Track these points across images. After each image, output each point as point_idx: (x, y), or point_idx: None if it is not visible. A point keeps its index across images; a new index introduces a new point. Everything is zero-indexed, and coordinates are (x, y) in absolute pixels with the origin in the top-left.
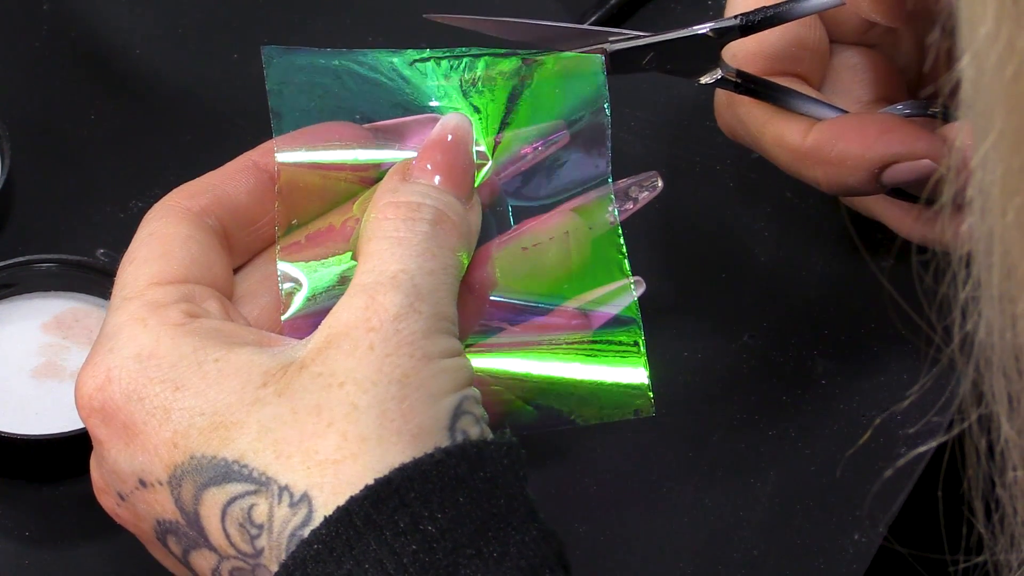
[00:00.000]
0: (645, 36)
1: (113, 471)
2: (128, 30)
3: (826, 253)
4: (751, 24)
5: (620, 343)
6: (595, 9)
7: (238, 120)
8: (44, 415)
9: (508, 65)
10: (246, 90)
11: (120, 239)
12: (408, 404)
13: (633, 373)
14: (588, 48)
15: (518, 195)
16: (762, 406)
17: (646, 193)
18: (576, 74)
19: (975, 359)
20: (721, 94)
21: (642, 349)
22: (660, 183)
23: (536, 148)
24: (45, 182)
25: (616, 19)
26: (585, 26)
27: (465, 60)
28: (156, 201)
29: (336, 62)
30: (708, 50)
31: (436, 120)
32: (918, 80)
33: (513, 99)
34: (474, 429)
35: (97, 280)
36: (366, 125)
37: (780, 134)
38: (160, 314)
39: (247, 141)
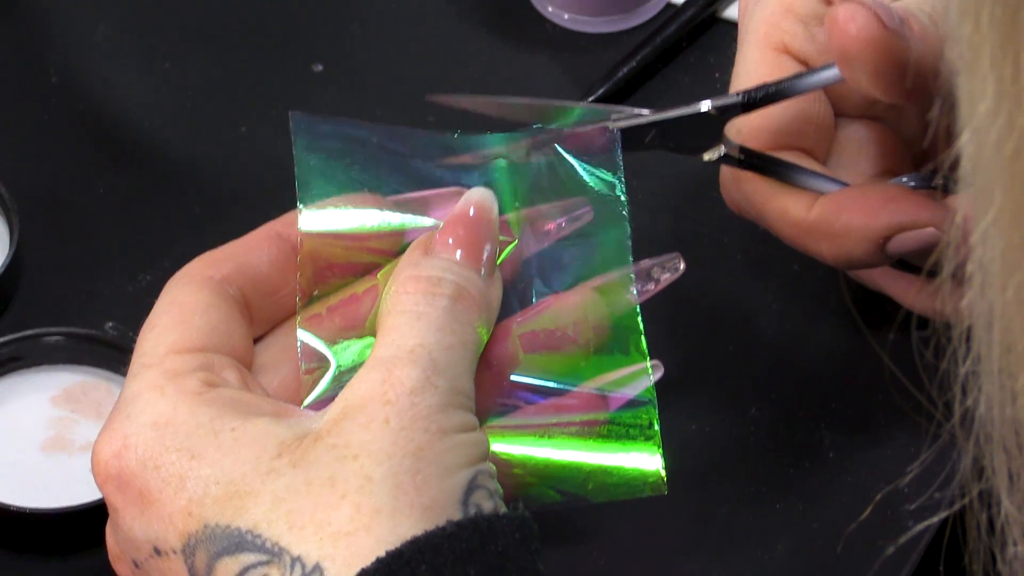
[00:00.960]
0: (647, 114)
1: (128, 538)
2: (136, 103)
3: (833, 326)
4: (753, 101)
5: (635, 425)
6: (602, 82)
7: (246, 192)
8: (53, 488)
9: (529, 141)
10: (254, 162)
11: (129, 312)
12: (422, 477)
13: (647, 455)
14: (596, 125)
15: (540, 272)
16: (770, 479)
17: (668, 274)
18: (592, 149)
19: (975, 434)
20: (726, 170)
21: (656, 429)
22: (682, 265)
23: (560, 224)
24: (54, 255)
25: (623, 92)
26: (586, 104)
27: (488, 138)
28: (165, 274)
29: (362, 133)
30: (711, 127)
31: (460, 194)
32: (923, 153)
33: (535, 176)
34: (487, 503)
35: (106, 353)
36: (391, 197)
37: (784, 209)
38: (178, 382)
39: (256, 213)
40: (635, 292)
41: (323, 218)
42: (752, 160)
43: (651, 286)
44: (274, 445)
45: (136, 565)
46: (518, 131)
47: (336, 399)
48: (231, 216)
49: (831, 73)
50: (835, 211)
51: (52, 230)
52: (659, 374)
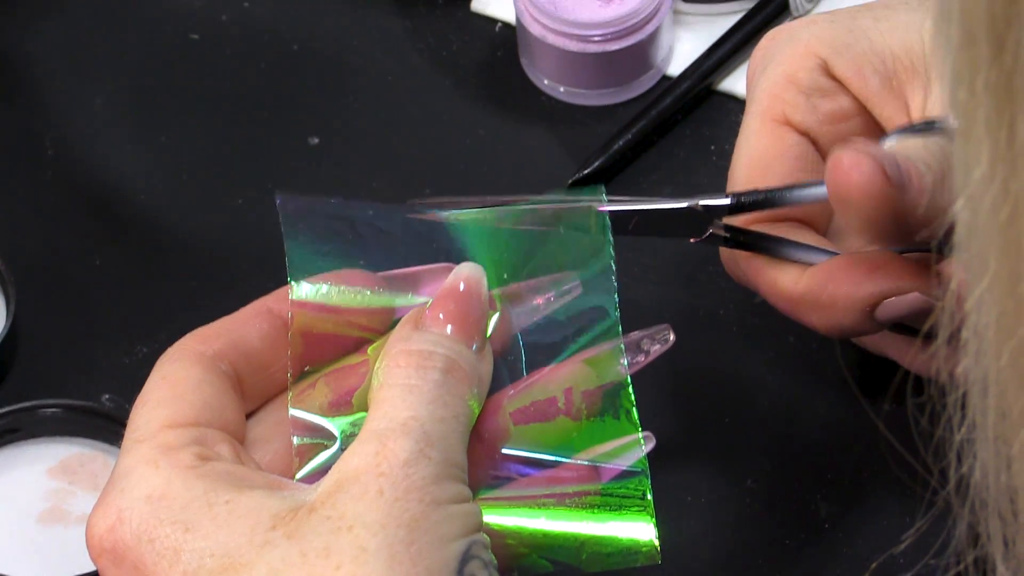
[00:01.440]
0: (634, 202)
1: None
2: (132, 175)
3: (829, 397)
4: (742, 205)
5: (628, 496)
6: (598, 154)
7: (243, 265)
8: (50, 560)
9: (517, 216)
10: (250, 235)
11: (126, 384)
12: (416, 548)
13: (641, 525)
14: (588, 200)
15: (530, 345)
16: (766, 550)
17: (658, 346)
18: (581, 225)
19: (971, 501)
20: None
21: (650, 499)
22: (672, 336)
23: (548, 299)
24: (50, 327)
25: (619, 164)
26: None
27: (475, 213)
28: (162, 346)
29: (349, 210)
30: (696, 221)
31: (449, 269)
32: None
33: (522, 250)
34: (482, 573)
35: (103, 425)
36: (380, 274)
37: (774, 281)
38: (171, 456)
39: (252, 286)
40: (625, 364)
41: (313, 294)
42: (738, 237)
43: (641, 358)
44: (268, 517)
45: None
46: (509, 205)
47: (330, 471)
48: (228, 289)
49: (822, 191)
50: (822, 282)
51: (49, 302)
52: (651, 445)
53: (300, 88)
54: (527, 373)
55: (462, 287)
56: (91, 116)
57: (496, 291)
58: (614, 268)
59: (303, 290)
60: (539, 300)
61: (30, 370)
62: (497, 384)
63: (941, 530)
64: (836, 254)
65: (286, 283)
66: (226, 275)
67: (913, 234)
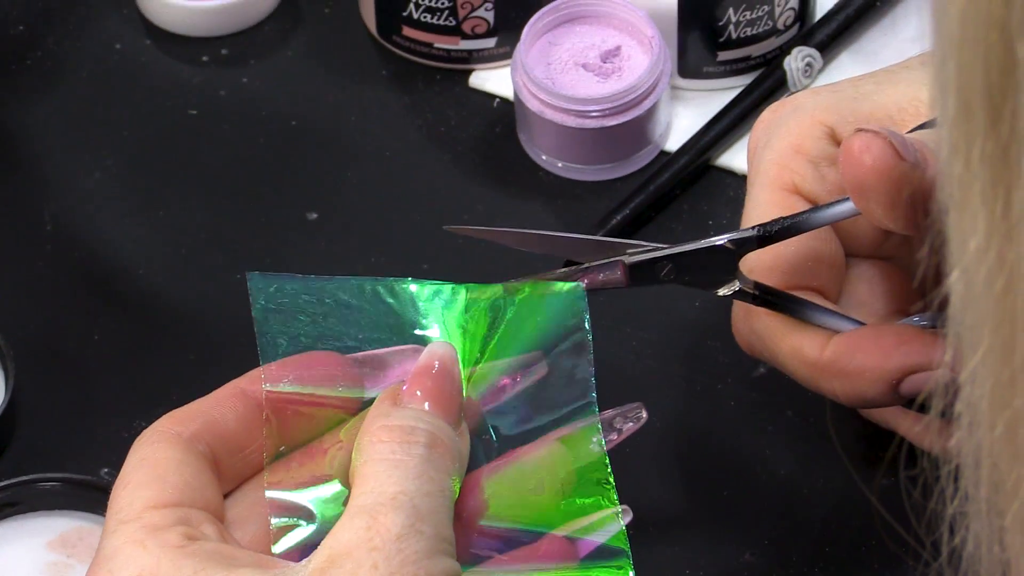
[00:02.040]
0: (663, 248)
1: None
2: (131, 250)
3: (827, 471)
4: (768, 235)
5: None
6: (596, 230)
7: (241, 339)
8: None
9: (489, 293)
10: (248, 310)
11: (124, 458)
12: None
13: None
14: (602, 262)
15: (503, 424)
16: None
17: (630, 424)
18: (557, 300)
19: (963, 574)
20: (738, 307)
21: None
22: (644, 414)
23: (515, 379)
24: (49, 401)
25: (642, 218)
26: (602, 238)
27: (448, 288)
28: None
29: (318, 287)
30: (726, 261)
31: (418, 351)
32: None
33: (493, 327)
34: None
35: (102, 499)
36: (349, 356)
37: (798, 347)
38: (158, 536)
39: (249, 361)
40: (600, 441)
41: (285, 376)
42: (766, 296)
43: (614, 436)
44: None
45: None
46: (480, 284)
47: (319, 547)
48: (225, 363)
49: (846, 207)
50: (849, 351)
51: (48, 376)
52: (628, 518)
53: (298, 163)
54: (501, 451)
55: (436, 365)
56: (90, 190)
57: (464, 372)
58: (590, 341)
59: (274, 372)
60: (505, 381)
61: (29, 444)
62: (473, 463)
63: None
64: (862, 324)
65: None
66: (224, 350)
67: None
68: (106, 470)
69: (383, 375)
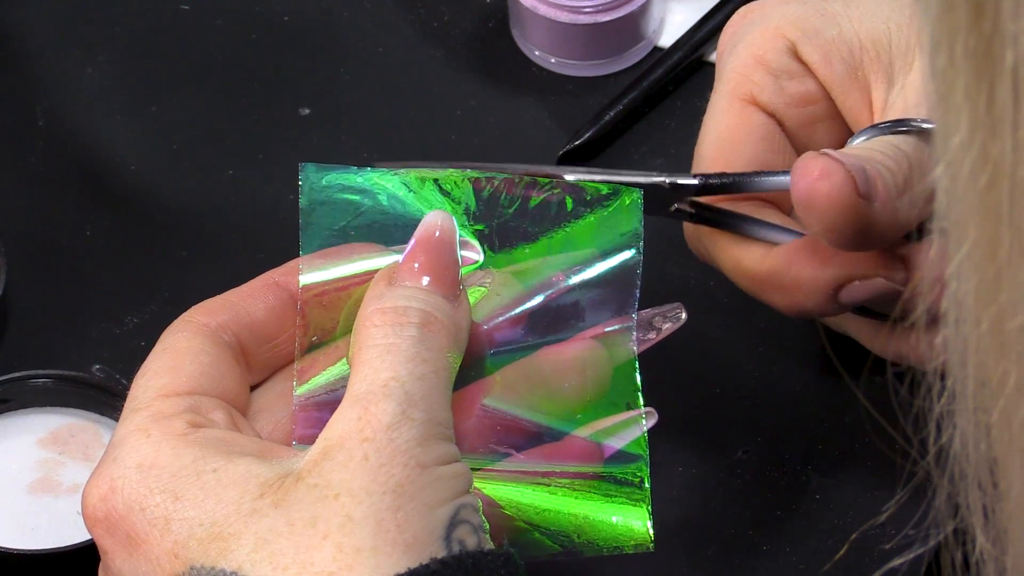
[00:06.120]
0: (600, 172)
1: None
2: (124, 146)
3: (819, 368)
4: (708, 187)
5: (627, 482)
6: (589, 126)
7: (232, 235)
8: (40, 530)
9: (543, 184)
10: (241, 206)
11: (115, 354)
12: (403, 514)
13: (635, 515)
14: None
15: (542, 318)
16: (756, 521)
17: (669, 324)
18: (619, 208)
19: (950, 471)
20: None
21: (647, 487)
22: (684, 314)
23: (568, 274)
24: (41, 298)
25: (610, 136)
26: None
27: (500, 177)
28: (153, 317)
29: (372, 180)
30: (662, 197)
31: (465, 246)
32: None
33: (547, 222)
34: (471, 539)
35: (93, 396)
36: (391, 248)
37: (738, 260)
38: (163, 425)
39: (242, 257)
40: (635, 342)
41: (323, 267)
42: (704, 214)
43: (652, 335)
44: (256, 486)
45: None
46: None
47: (317, 439)
48: (218, 259)
49: (788, 181)
50: (786, 263)
51: (39, 273)
52: (652, 422)
53: (291, 59)
54: (537, 347)
55: (437, 234)
56: (82, 86)
57: (517, 267)
58: (642, 249)
59: (313, 263)
60: (559, 276)
61: (20, 341)
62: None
63: (922, 500)
64: (801, 234)
65: (277, 250)
66: (216, 246)
67: (871, 244)
68: (98, 367)
69: None
